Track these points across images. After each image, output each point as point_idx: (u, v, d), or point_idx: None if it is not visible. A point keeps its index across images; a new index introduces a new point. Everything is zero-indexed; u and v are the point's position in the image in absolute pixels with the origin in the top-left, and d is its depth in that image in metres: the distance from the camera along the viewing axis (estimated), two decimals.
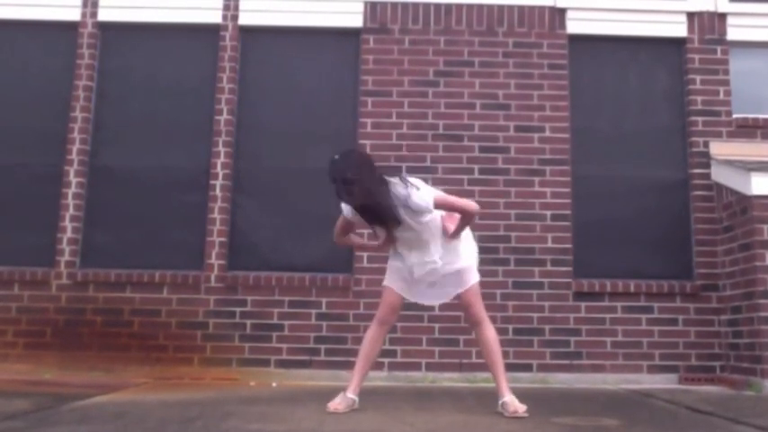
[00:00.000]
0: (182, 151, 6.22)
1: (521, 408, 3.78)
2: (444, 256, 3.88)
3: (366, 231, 4.48)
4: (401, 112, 6.20)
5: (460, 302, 3.99)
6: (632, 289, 5.95)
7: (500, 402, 3.85)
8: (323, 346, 5.84)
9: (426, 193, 3.73)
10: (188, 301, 5.92)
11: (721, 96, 6.27)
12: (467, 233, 4.01)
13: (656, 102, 6.39)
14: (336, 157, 3.65)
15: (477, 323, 3.94)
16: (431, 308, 5.79)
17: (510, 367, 5.66)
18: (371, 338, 3.97)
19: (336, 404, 3.87)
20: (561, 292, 5.95)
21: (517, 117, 6.22)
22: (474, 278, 3.94)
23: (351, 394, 3.91)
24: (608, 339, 5.90)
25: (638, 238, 6.12)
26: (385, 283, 3.99)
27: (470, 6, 6.40)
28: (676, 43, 6.43)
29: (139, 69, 6.38)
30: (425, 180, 3.99)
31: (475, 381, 5.69)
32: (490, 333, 3.92)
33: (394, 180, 3.75)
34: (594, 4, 6.45)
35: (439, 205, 3.80)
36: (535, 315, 5.92)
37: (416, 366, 5.81)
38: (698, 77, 6.29)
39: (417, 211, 3.72)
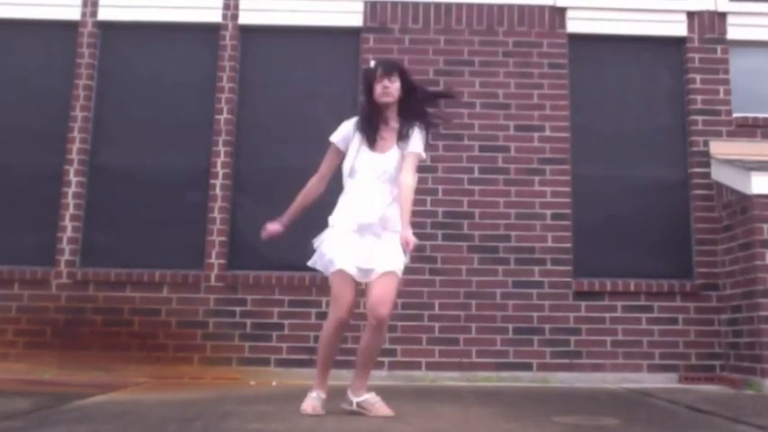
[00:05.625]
0: (182, 151, 6.22)
1: (384, 409, 3.66)
2: (384, 222, 3.76)
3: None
4: None
5: (371, 293, 3.77)
6: (632, 288, 5.95)
7: (356, 401, 3.71)
8: None
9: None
10: (188, 301, 5.93)
11: (721, 96, 6.27)
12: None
13: (656, 101, 6.39)
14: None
15: (382, 322, 3.72)
16: (431, 307, 5.82)
17: (510, 366, 5.77)
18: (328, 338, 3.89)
19: (314, 407, 3.72)
20: (561, 291, 5.95)
21: (517, 116, 6.22)
22: (399, 266, 3.73)
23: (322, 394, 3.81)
24: (608, 338, 5.90)
25: (637, 238, 6.13)
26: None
27: (470, 6, 6.40)
28: (676, 42, 6.43)
29: (139, 69, 6.38)
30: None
31: (475, 380, 5.69)
32: (381, 340, 3.85)
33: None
34: (594, 4, 6.44)
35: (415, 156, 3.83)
36: (535, 314, 5.92)
37: (416, 366, 5.81)
38: (698, 77, 6.29)
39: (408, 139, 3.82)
